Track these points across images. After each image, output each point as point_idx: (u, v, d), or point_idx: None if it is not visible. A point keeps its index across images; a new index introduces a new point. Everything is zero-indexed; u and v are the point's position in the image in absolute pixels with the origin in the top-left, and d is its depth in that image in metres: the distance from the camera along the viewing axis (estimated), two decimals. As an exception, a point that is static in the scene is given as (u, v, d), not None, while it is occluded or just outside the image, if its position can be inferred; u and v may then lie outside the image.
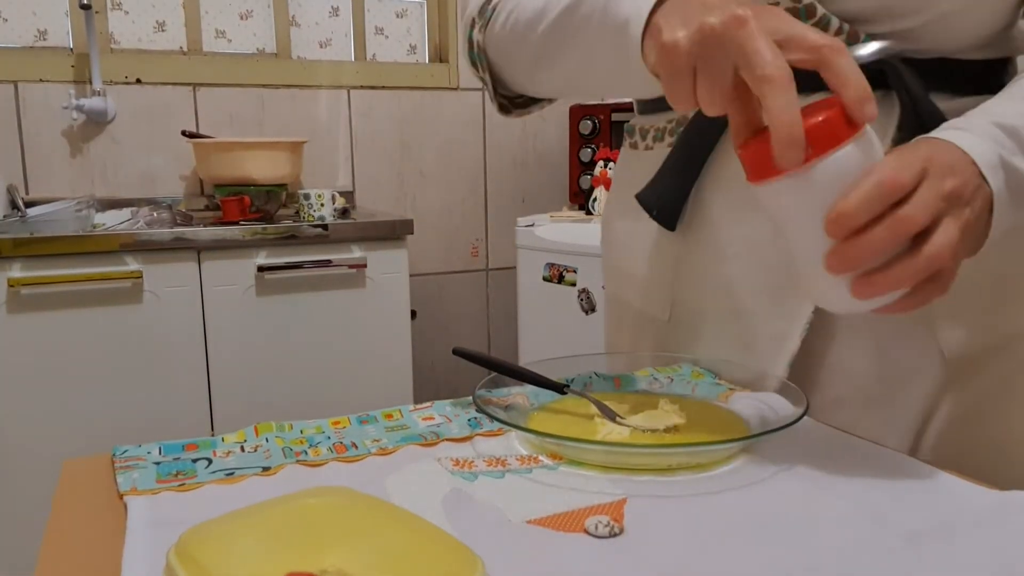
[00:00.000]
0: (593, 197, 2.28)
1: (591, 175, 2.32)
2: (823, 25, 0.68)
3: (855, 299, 0.53)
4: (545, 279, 2.10)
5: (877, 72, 0.67)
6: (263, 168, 2.15)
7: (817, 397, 0.74)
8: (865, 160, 0.52)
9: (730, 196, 0.75)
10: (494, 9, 0.78)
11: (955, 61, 0.69)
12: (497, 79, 0.82)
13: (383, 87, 2.54)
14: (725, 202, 0.76)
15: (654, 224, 0.82)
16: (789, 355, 0.73)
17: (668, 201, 0.81)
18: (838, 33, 0.68)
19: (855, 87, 0.50)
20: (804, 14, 0.68)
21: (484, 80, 0.82)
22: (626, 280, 0.91)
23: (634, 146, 0.88)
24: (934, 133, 0.58)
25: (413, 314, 2.15)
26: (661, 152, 0.81)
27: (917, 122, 0.65)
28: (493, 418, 0.62)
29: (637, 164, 0.86)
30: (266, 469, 0.59)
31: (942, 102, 0.67)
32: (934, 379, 0.72)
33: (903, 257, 0.52)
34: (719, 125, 0.76)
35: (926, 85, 0.67)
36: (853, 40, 0.68)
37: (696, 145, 0.77)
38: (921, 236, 0.52)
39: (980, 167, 0.55)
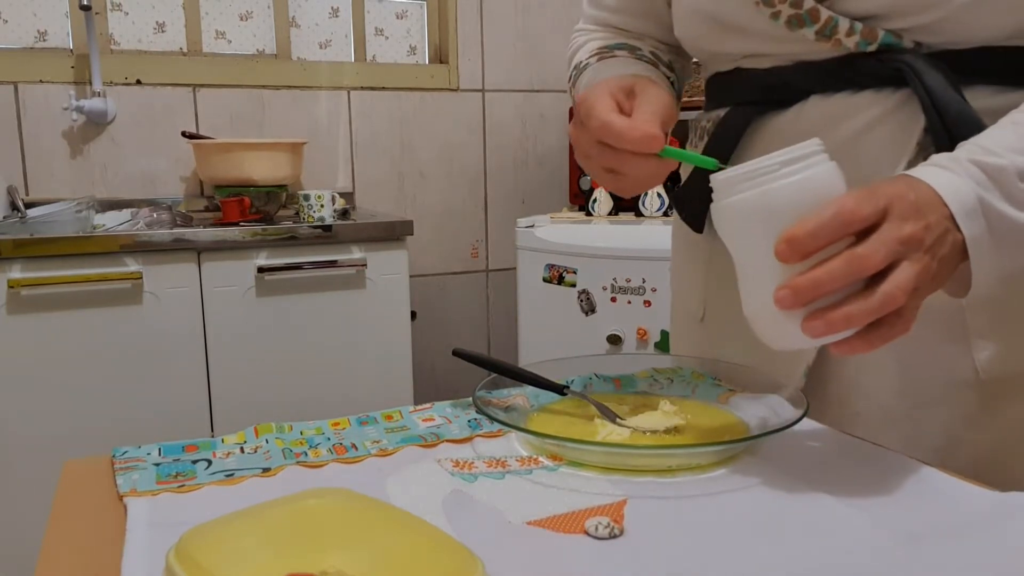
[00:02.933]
0: (593, 198, 2.28)
1: (591, 176, 2.31)
2: (830, 28, 0.67)
3: (804, 336, 0.52)
4: (545, 280, 2.10)
5: (894, 71, 0.65)
6: (263, 169, 2.15)
7: (835, 411, 0.72)
8: (826, 190, 0.52)
9: None
10: (575, 75, 0.88)
11: (1003, 50, 0.64)
12: None
13: (383, 88, 2.54)
14: None
15: None
16: (804, 365, 0.73)
17: (695, 201, 0.82)
18: (849, 34, 0.66)
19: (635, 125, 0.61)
20: (808, 19, 0.67)
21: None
22: (675, 275, 0.93)
23: (691, 143, 0.88)
24: (915, 169, 0.56)
25: (413, 315, 2.14)
26: (700, 151, 0.82)
27: (942, 126, 0.63)
28: (493, 419, 0.62)
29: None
30: (266, 470, 0.59)
31: (993, 97, 0.64)
32: (965, 401, 0.68)
33: (856, 296, 0.51)
34: (739, 127, 0.76)
35: (968, 80, 0.64)
36: (870, 39, 0.66)
37: (719, 148, 0.77)
38: (876, 276, 0.51)
39: (952, 211, 0.53)
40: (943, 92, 0.63)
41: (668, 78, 0.84)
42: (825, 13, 0.67)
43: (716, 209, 0.56)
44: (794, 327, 0.52)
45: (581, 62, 0.86)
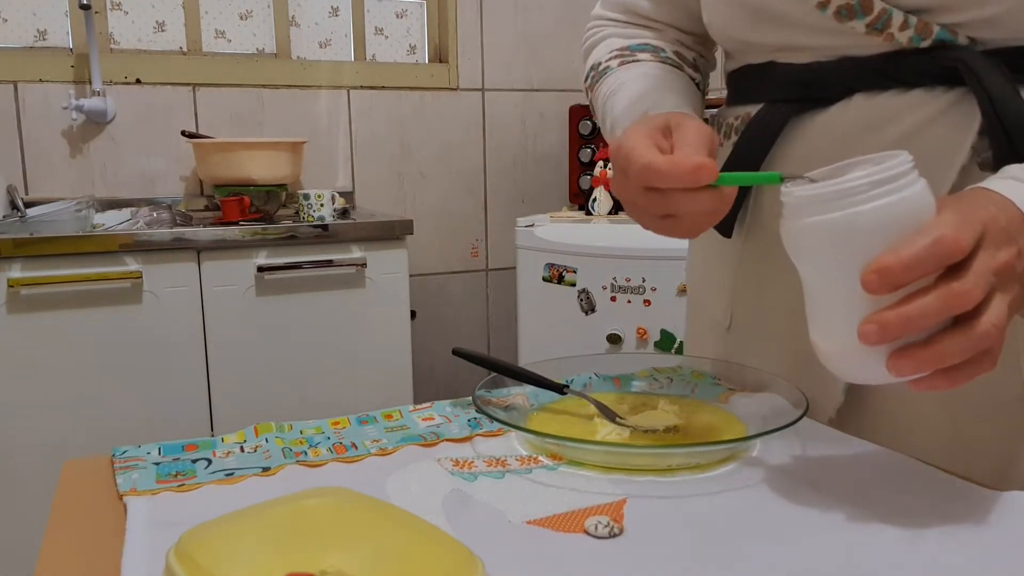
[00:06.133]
0: (593, 197, 2.28)
1: (591, 175, 2.31)
2: (883, 20, 0.63)
3: (887, 373, 0.48)
4: (545, 279, 2.10)
5: (948, 69, 0.62)
6: (263, 168, 2.15)
7: (876, 427, 0.69)
8: (919, 215, 0.47)
9: None
10: (594, 77, 0.84)
11: None
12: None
13: (383, 87, 2.54)
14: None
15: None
16: (844, 381, 0.69)
17: None
18: (903, 28, 0.63)
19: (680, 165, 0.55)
20: (860, 10, 0.63)
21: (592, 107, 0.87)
22: (696, 281, 0.89)
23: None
24: (993, 182, 0.51)
25: (413, 314, 2.15)
26: (728, 150, 0.77)
27: (1001, 128, 0.59)
28: (493, 418, 0.62)
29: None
30: (266, 470, 0.59)
31: None
32: (1016, 418, 0.65)
33: (950, 333, 0.46)
34: (775, 126, 0.72)
35: None
36: (924, 34, 0.62)
37: (752, 148, 0.73)
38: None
39: None
40: (1002, 92, 0.60)
41: (693, 79, 0.81)
42: (879, 4, 0.62)
43: (790, 229, 0.51)
44: (875, 362, 0.48)
45: (600, 63, 0.82)
